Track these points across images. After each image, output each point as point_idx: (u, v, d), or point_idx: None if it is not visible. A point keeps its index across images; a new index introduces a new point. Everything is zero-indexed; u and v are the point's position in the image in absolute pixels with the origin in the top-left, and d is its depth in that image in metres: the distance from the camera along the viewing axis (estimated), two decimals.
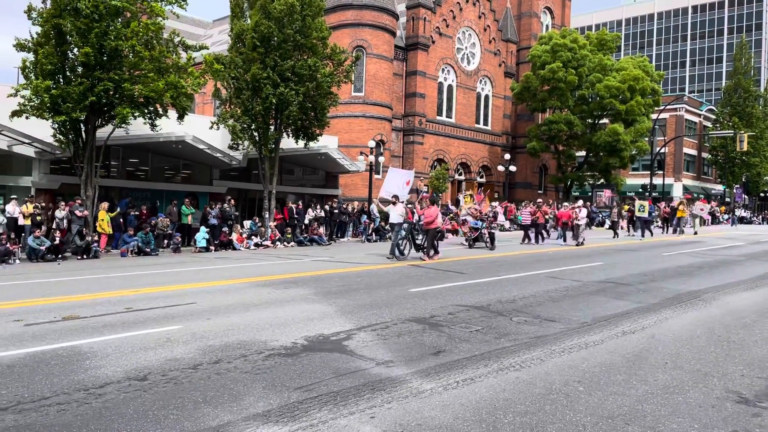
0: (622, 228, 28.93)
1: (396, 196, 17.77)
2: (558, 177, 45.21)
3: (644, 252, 18.83)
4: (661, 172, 49.57)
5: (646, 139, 43.99)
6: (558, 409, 4.69)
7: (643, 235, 25.40)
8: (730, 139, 53.36)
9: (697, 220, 32.12)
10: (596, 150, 42.03)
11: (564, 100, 41.04)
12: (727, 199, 57.84)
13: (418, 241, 17.30)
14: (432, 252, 16.36)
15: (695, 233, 29.69)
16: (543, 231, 23.93)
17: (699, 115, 60.69)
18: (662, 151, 48.76)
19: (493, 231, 20.66)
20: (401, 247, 16.68)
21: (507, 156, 41.18)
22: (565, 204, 25.71)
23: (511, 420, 4.44)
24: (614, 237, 26.19)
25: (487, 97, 46.73)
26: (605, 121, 43.91)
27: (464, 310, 8.70)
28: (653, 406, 4.80)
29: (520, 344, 6.71)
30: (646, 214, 25.76)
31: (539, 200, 26.72)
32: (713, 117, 60.49)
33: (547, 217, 24.55)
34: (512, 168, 41.22)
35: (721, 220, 45.83)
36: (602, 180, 44.83)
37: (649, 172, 43.96)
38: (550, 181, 48.12)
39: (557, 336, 7.12)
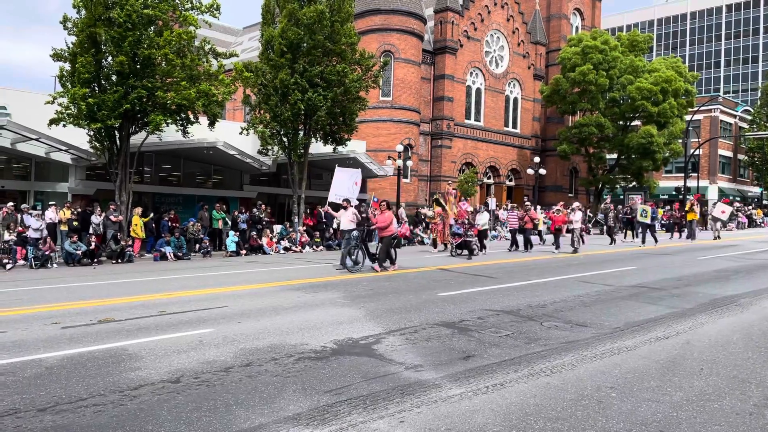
0: (618, 233, 26.84)
1: (347, 200, 16.11)
2: (589, 180, 44.58)
3: (678, 256, 18.46)
4: (696, 174, 48.54)
5: (680, 141, 43.12)
6: (590, 415, 4.63)
7: (643, 242, 23.07)
8: (767, 141, 51.92)
9: (719, 224, 28.17)
10: (628, 152, 41.33)
11: (595, 103, 40.50)
12: (765, 202, 56.29)
13: (372, 250, 15.32)
14: (387, 262, 14.79)
15: (716, 238, 26.45)
16: (531, 237, 21.87)
17: (734, 116, 59.28)
18: (696, 153, 47.76)
19: (469, 239, 18.61)
20: (353, 257, 14.75)
21: (536, 159, 40.78)
22: (557, 208, 23.26)
23: (542, 426, 4.40)
24: (611, 243, 24.18)
25: (516, 99, 46.39)
26: (637, 123, 43.18)
27: (494, 314, 8.65)
28: (688, 413, 4.71)
29: (551, 349, 6.64)
30: (648, 219, 23.18)
31: (527, 203, 24.57)
32: (749, 118, 59.00)
33: (536, 221, 22.60)
34: (542, 171, 40.80)
35: (758, 223, 44.63)
36: (634, 183, 44.07)
37: (683, 175, 43.09)
38: (580, 184, 47.48)
39: (589, 341, 7.02)
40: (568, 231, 21.34)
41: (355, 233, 15.20)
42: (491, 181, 45.03)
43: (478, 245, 19.58)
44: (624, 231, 27.51)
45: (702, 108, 48.84)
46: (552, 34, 48.04)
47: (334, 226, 24.60)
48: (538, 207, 22.94)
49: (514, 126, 46.43)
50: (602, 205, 28.29)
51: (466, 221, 19.61)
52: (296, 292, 11.02)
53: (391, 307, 9.24)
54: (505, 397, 5.01)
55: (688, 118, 42.73)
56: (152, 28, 18.56)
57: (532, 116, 47.48)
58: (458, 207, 20.98)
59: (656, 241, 23.22)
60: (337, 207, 16.97)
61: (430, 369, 5.83)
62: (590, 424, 4.43)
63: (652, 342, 7.02)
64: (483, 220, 20.70)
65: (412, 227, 25.60)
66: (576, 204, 21.38)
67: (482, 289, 11.31)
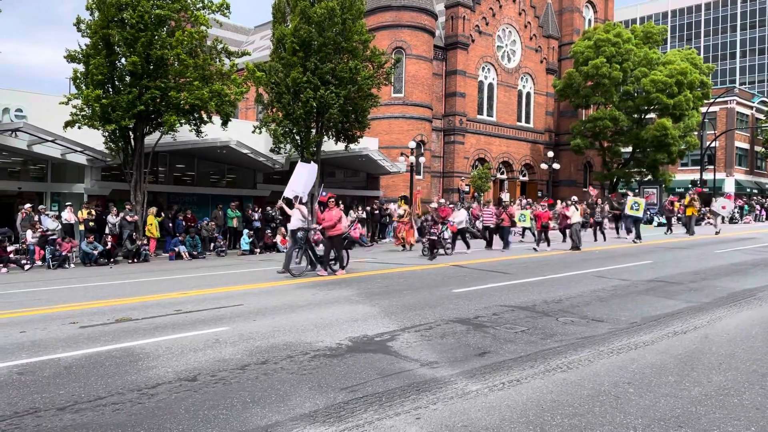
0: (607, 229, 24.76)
1: (299, 197, 14.56)
2: (603, 174, 44.25)
3: (695, 249, 18.27)
4: (712, 167, 47.97)
5: (696, 133, 42.63)
6: (607, 410, 4.60)
7: (637, 237, 21.39)
8: None
9: (719, 219, 26.86)
10: (643, 146, 40.97)
11: (608, 96, 40.17)
12: None
13: (319, 252, 14.18)
14: (337, 265, 13.66)
15: (717, 233, 24.88)
16: (509, 235, 20.35)
17: (751, 107, 58.50)
18: (713, 145, 47.22)
19: (433, 238, 17.24)
20: (297, 259, 13.60)
21: (550, 154, 40.55)
22: (542, 204, 21.51)
23: (559, 422, 4.38)
24: (595, 240, 22.28)
25: (528, 94, 46.13)
26: (652, 116, 42.75)
27: (509, 310, 8.61)
28: (707, 408, 4.66)
29: (567, 345, 6.60)
30: (640, 213, 21.47)
31: (504, 199, 23.22)
32: (766, 109, 58.23)
33: (513, 218, 20.87)
34: (556, 166, 40.55)
35: None
36: (650, 176, 43.67)
37: (699, 167, 42.65)
38: (595, 178, 47.10)
39: (605, 336, 6.97)
40: (566, 227, 19.89)
41: (300, 234, 13.84)
42: (504, 176, 44.84)
43: (452, 245, 18.52)
44: (616, 227, 25.47)
45: (718, 100, 48.27)
46: (564, 28, 47.68)
47: (348, 223, 24.58)
48: (563, 201, 21.43)
49: (527, 121, 46.18)
50: (589, 200, 25.63)
51: (431, 219, 18.25)
52: (310, 290, 11.05)
53: (405, 304, 9.23)
54: (522, 394, 4.99)
55: (703, 110, 42.24)
56: (164, 28, 18.66)
57: (545, 111, 47.19)
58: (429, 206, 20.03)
59: (639, 237, 21.41)
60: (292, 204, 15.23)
61: (445, 366, 5.81)
62: (608, 420, 4.40)
63: (669, 337, 6.96)
64: (460, 217, 19.34)
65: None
66: (574, 198, 20.21)
67: (497, 285, 11.27)
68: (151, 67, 18.38)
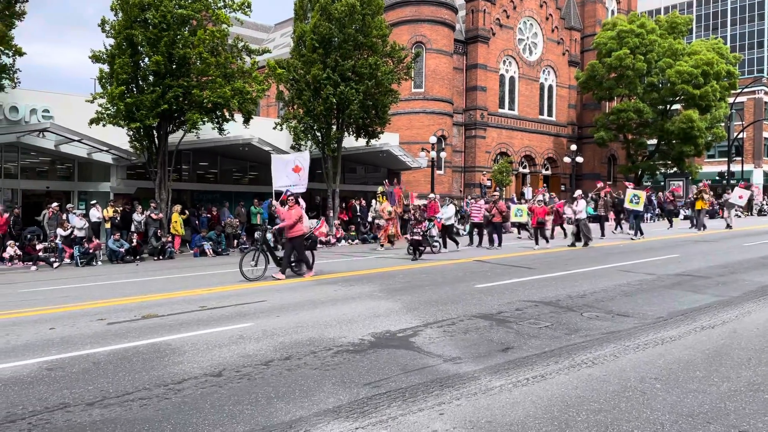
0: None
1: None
2: (628, 167, 43.66)
3: (723, 243, 17.95)
4: (740, 158, 47.03)
5: (722, 124, 41.79)
6: (634, 406, 4.54)
7: (637, 233, 20.03)
8: None
9: (732, 211, 25.02)
10: (668, 138, 40.30)
11: (632, 88, 39.58)
12: None
13: (278, 253, 13.40)
14: (304, 267, 12.74)
15: (728, 227, 23.24)
16: (501, 232, 19.23)
17: None
18: (740, 136, 46.27)
19: (416, 238, 15.91)
20: (253, 261, 12.51)
21: (573, 147, 40.11)
22: (539, 198, 20.04)
23: (584, 418, 4.33)
24: (599, 235, 20.95)
25: (550, 87, 45.67)
26: (678, 107, 42.02)
27: (532, 305, 8.55)
28: (737, 403, 4.58)
29: (592, 340, 6.53)
30: (640, 207, 20.33)
31: (495, 193, 21.60)
32: None
33: (505, 214, 19.63)
34: (579, 159, 40.08)
35: None
36: (675, 169, 42.95)
37: (726, 159, 41.83)
38: (619, 171, 46.51)
39: (631, 331, 6.88)
40: (571, 222, 18.89)
41: (258, 233, 12.84)
42: (527, 170, 44.49)
43: (440, 242, 17.89)
44: (617, 221, 24.65)
45: (745, 90, 47.26)
46: (587, 19, 47.08)
47: (369, 218, 24.63)
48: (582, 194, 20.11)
49: (550, 114, 45.73)
50: (591, 193, 24.75)
51: (413, 217, 16.96)
52: (332, 286, 11.09)
53: (427, 300, 9.22)
54: (546, 389, 4.95)
55: (730, 100, 41.38)
56: (186, 27, 18.84)
57: (568, 103, 46.69)
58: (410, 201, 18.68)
59: (642, 232, 20.21)
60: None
61: (468, 361, 5.79)
62: (634, 416, 4.34)
63: (697, 331, 6.85)
64: (448, 213, 18.52)
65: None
66: (578, 192, 19.18)
67: (520, 280, 11.19)
68: (174, 66, 18.58)
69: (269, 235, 12.85)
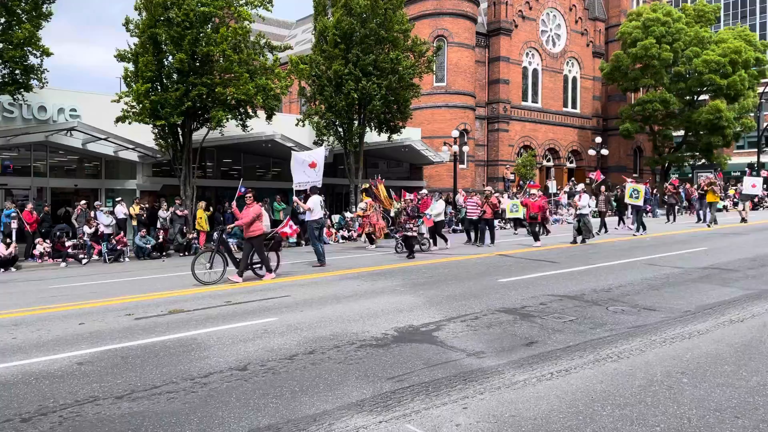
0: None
1: (314, 188, 13.48)
2: (654, 159, 42.93)
3: (751, 235, 17.59)
4: None
5: (752, 114, 40.85)
6: (660, 401, 4.49)
7: (638, 228, 19.31)
8: None
9: (747, 203, 23.46)
10: (696, 129, 39.50)
11: (658, 78, 38.85)
12: None
13: (236, 254, 12.74)
14: (263, 269, 12.03)
15: (743, 220, 22.03)
16: (493, 228, 18.23)
17: None
18: None
19: (408, 234, 15.31)
20: (208, 263, 11.55)
21: (598, 139, 39.52)
22: (533, 192, 18.95)
23: (609, 412, 4.30)
24: (602, 231, 20.29)
25: (574, 79, 45.09)
26: (705, 97, 41.16)
27: (556, 299, 8.48)
28: (766, 398, 4.49)
29: (618, 334, 6.46)
30: (641, 202, 19.57)
31: (488, 188, 20.34)
32: None
33: (497, 209, 18.83)
34: (604, 151, 39.50)
35: None
36: (703, 160, 42.12)
37: (756, 150, 40.89)
38: (645, 163, 45.77)
39: (657, 325, 6.80)
40: (574, 217, 18.18)
41: (215, 234, 12.50)
42: (551, 163, 44.02)
43: (429, 240, 17.35)
44: (619, 217, 23.65)
45: None
46: (611, 9, 46.34)
47: (392, 214, 24.57)
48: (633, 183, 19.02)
49: (574, 106, 45.17)
50: (592, 186, 23.81)
51: (404, 213, 16.37)
52: (355, 281, 11.13)
53: (450, 294, 9.20)
54: (571, 384, 4.92)
55: (760, 89, 40.41)
56: (209, 25, 19.01)
57: (592, 95, 46.06)
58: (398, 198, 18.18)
59: (644, 227, 19.35)
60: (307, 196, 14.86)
61: (492, 356, 5.78)
62: (661, 411, 4.29)
63: (725, 325, 6.73)
64: (437, 210, 17.57)
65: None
66: (580, 186, 18.18)
67: (544, 274, 11.11)
68: (197, 63, 18.77)
69: (230, 238, 12.31)
